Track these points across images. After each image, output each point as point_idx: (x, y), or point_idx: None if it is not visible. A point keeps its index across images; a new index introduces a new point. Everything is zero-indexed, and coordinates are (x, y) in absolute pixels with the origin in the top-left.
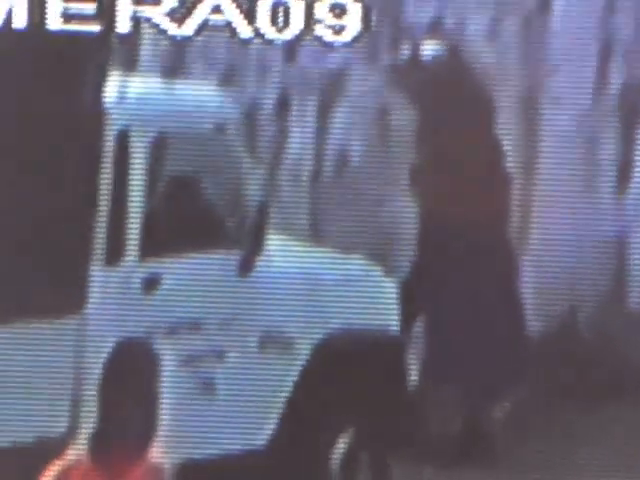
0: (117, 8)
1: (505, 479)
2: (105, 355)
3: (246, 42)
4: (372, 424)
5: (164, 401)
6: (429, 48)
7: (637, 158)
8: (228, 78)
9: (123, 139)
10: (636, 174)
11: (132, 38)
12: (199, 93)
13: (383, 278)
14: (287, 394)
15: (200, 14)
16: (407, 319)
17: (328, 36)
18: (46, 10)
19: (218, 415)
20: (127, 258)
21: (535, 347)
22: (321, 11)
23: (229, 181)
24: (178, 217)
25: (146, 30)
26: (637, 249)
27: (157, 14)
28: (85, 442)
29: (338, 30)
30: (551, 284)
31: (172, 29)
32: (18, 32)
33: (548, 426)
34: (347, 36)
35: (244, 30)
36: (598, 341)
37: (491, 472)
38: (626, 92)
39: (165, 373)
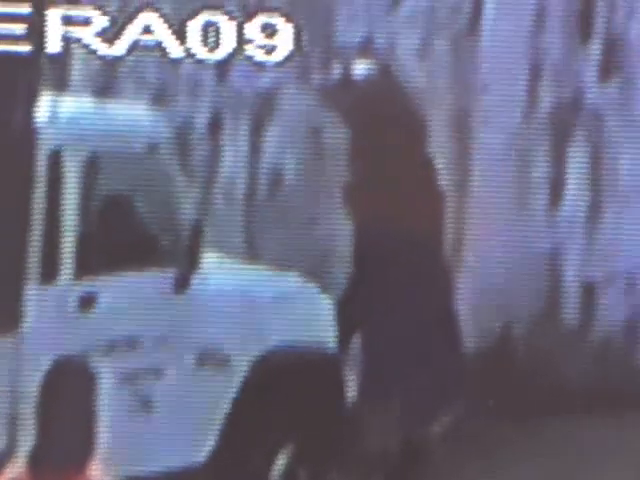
0: (47, 28)
1: None
2: (42, 373)
3: (177, 62)
4: (310, 441)
5: (102, 418)
6: (360, 68)
7: (568, 175)
8: (160, 98)
9: (55, 159)
10: (568, 191)
11: (63, 58)
12: (131, 113)
13: (319, 295)
14: (226, 410)
15: (131, 34)
16: (344, 336)
17: (259, 56)
18: None
19: (157, 432)
20: (62, 277)
21: (471, 363)
22: (252, 31)
23: (163, 200)
24: (113, 236)
25: (77, 50)
26: (570, 265)
27: (87, 34)
28: (23, 460)
29: (269, 50)
30: (486, 301)
31: (103, 49)
32: None
33: (485, 442)
34: (278, 56)
35: (175, 50)
36: (533, 357)
37: None
38: (556, 110)
39: (103, 391)
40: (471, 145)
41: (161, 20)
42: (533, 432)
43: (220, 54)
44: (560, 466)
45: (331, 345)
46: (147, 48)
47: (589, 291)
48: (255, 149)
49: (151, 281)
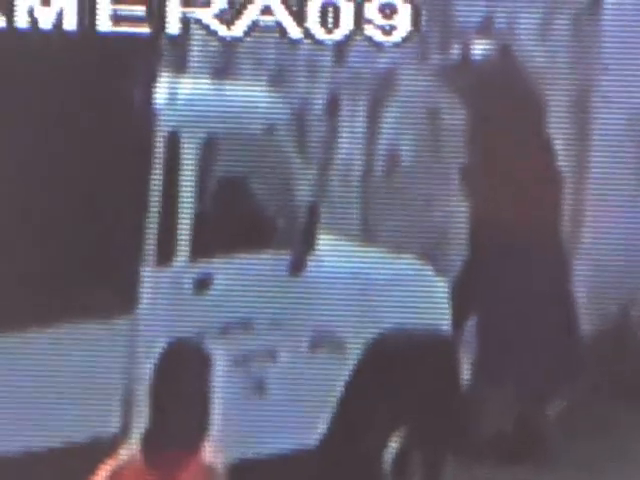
0: (167, 10)
1: (557, 478)
2: (157, 355)
3: (296, 43)
4: (424, 424)
5: (216, 401)
6: (479, 48)
7: None
8: (278, 79)
9: (173, 140)
10: None
11: (182, 40)
12: (249, 94)
13: (435, 277)
14: (339, 394)
15: (250, 15)
16: (459, 319)
17: (378, 36)
18: (96, 12)
19: (270, 415)
20: (178, 258)
21: (588, 346)
22: (371, 11)
23: (280, 182)
24: (229, 217)
25: (196, 31)
26: None
27: (207, 15)
28: (137, 442)
29: (388, 30)
30: (604, 284)
31: (222, 30)
32: (68, 34)
33: (602, 425)
34: (397, 36)
35: (294, 31)
36: None
37: (544, 471)
38: None
39: (217, 373)
40: (591, 126)
41: (279, 1)
42: None
43: (338, 35)
44: None
45: (446, 328)
46: (266, 29)
47: None
48: (372, 131)
49: (266, 263)
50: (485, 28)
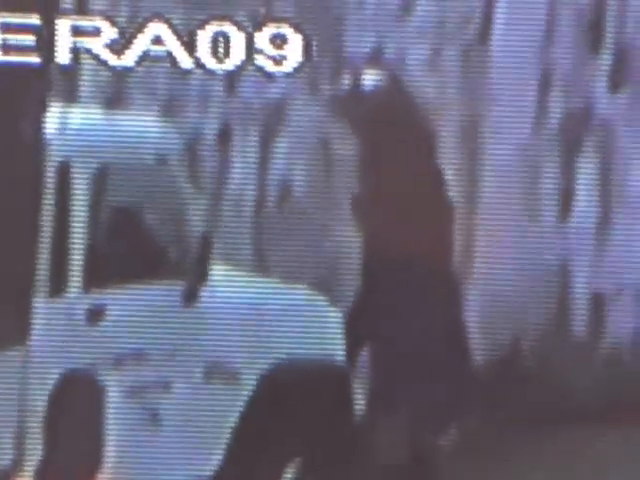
0: (57, 39)
1: None
2: (50, 387)
3: (187, 73)
4: (318, 455)
5: (110, 432)
6: (370, 78)
7: (578, 187)
8: (169, 109)
9: (64, 171)
10: (577, 202)
11: (72, 69)
12: (140, 124)
13: (328, 307)
14: (233, 425)
15: (140, 45)
16: (352, 349)
17: (269, 66)
18: None
19: (164, 446)
20: (71, 289)
21: (481, 377)
22: (262, 41)
23: (172, 212)
24: (121, 248)
25: (86, 61)
26: (579, 276)
27: (97, 45)
28: (31, 474)
29: (279, 60)
30: (495, 313)
31: (112, 60)
32: None
33: (495, 453)
34: (288, 66)
35: (185, 61)
36: (543, 368)
37: None
38: (566, 121)
39: (110, 404)
40: (480, 156)
41: (170, 30)
42: (544, 443)
43: (230, 64)
44: (571, 476)
45: (340, 358)
46: (156, 59)
47: (598, 303)
48: (264, 160)
49: (160, 293)
50: (375, 58)
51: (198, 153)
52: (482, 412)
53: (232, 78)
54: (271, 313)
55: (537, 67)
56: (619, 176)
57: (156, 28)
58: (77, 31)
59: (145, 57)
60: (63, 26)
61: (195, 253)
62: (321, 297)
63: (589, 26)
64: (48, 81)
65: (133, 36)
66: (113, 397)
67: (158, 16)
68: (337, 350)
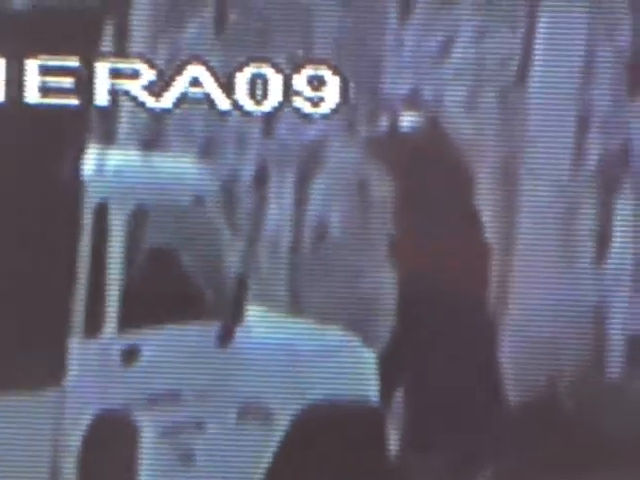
0: (95, 81)
1: None
2: (84, 427)
3: (224, 114)
4: None
5: (144, 472)
6: (407, 120)
7: (615, 228)
8: (207, 150)
9: (101, 211)
10: (614, 244)
11: (110, 111)
12: (177, 165)
13: (362, 348)
14: (267, 465)
15: (178, 87)
16: (386, 389)
17: (306, 108)
18: (24, 83)
19: None
20: (106, 330)
21: (515, 417)
22: (299, 83)
23: (208, 253)
24: (157, 289)
25: (124, 103)
26: (615, 319)
27: (135, 87)
28: None
29: (316, 102)
30: (530, 355)
31: (150, 102)
32: None
33: None
34: (325, 108)
35: (222, 102)
36: (577, 412)
37: None
38: (603, 163)
39: (145, 444)
40: (518, 198)
41: (208, 73)
42: None
43: (267, 106)
44: None
45: (374, 399)
46: (194, 101)
47: (634, 345)
48: (301, 202)
49: (194, 334)
50: (413, 100)
51: (235, 195)
52: (516, 454)
53: (269, 120)
54: (305, 354)
55: (575, 108)
56: None
57: (194, 70)
58: (116, 73)
59: (183, 99)
60: (102, 68)
61: (231, 294)
62: (355, 338)
63: (627, 66)
64: (87, 123)
65: (171, 78)
66: (147, 437)
67: (196, 58)
68: (371, 390)
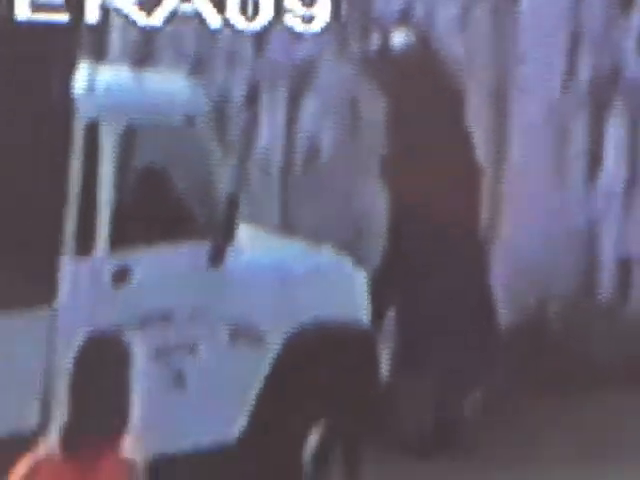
0: None
1: (477, 468)
2: (76, 347)
3: (215, 32)
4: (344, 417)
5: (135, 394)
6: (399, 37)
7: (606, 147)
8: (197, 68)
9: (92, 129)
10: (606, 163)
11: (101, 28)
12: (169, 83)
13: (354, 269)
14: (259, 387)
15: (169, 4)
16: (378, 310)
17: (298, 26)
18: (14, 0)
19: (190, 407)
20: (98, 250)
21: (506, 339)
22: (290, 1)
23: (199, 172)
24: (148, 209)
25: (115, 20)
26: (607, 240)
27: (126, 4)
28: (56, 436)
29: (308, 20)
30: (522, 275)
31: (141, 19)
32: None
33: (517, 416)
34: (317, 26)
35: (213, 20)
36: (568, 332)
37: (463, 461)
38: (595, 81)
39: (136, 365)
40: (509, 115)
41: None
42: (567, 405)
43: (258, 24)
44: (591, 439)
45: (365, 320)
46: (185, 18)
47: (625, 267)
48: (292, 121)
49: (186, 255)
50: (404, 18)
51: (226, 113)
52: (506, 376)
53: (261, 38)
54: (296, 274)
55: (566, 27)
56: None
57: None
58: None
59: (174, 16)
60: None
61: (222, 214)
62: (347, 258)
63: None
64: (77, 39)
65: None
66: (139, 358)
67: None
68: (363, 311)
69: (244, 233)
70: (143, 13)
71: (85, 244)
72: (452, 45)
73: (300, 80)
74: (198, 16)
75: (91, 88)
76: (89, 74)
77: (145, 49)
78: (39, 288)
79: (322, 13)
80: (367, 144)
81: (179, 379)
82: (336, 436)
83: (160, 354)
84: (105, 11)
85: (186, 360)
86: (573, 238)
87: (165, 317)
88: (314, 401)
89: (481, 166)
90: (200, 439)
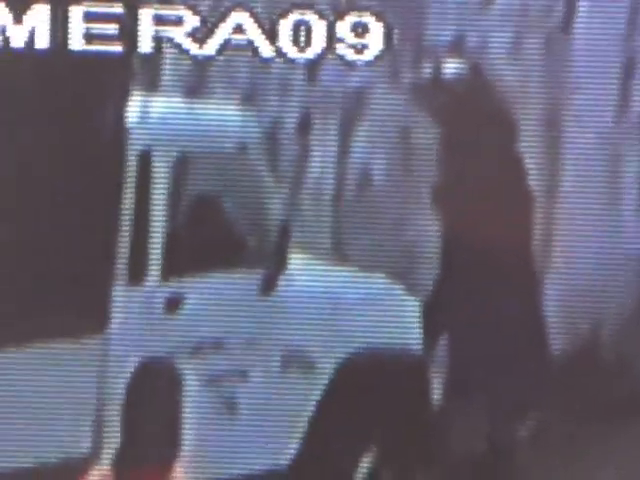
0: (139, 28)
1: None
2: (128, 375)
3: (268, 61)
4: (395, 444)
5: (187, 421)
6: (451, 67)
7: None
8: (250, 98)
9: (145, 159)
10: None
11: (154, 58)
12: (221, 113)
13: (405, 297)
14: (310, 414)
15: (222, 34)
16: (429, 338)
17: (350, 55)
18: (68, 30)
19: (241, 435)
20: (149, 278)
21: (559, 366)
22: (343, 30)
23: (251, 200)
24: (200, 237)
25: (168, 50)
26: None
27: (179, 34)
28: (108, 463)
29: (360, 49)
30: (574, 303)
31: (194, 49)
32: (40, 52)
33: (571, 446)
34: (369, 55)
35: (266, 49)
36: (621, 360)
37: None
38: None
39: (188, 393)
40: (562, 145)
41: (252, 19)
42: (619, 435)
43: (311, 53)
44: None
45: (417, 347)
46: (238, 48)
47: None
48: (344, 149)
49: (238, 282)
50: (457, 47)
51: (278, 142)
52: (560, 403)
53: (313, 67)
54: (349, 302)
55: (620, 55)
56: None
57: (238, 17)
58: (159, 20)
59: (226, 46)
60: (146, 15)
61: (274, 242)
62: (399, 286)
63: None
64: (130, 70)
65: (215, 25)
66: (191, 386)
67: (240, 5)
68: (414, 339)
69: (296, 261)
70: (196, 43)
71: (137, 272)
72: (504, 74)
73: (352, 109)
74: (250, 45)
75: (144, 118)
76: (142, 104)
77: (198, 79)
78: (92, 317)
79: (374, 42)
80: (419, 172)
81: (231, 406)
82: (388, 464)
83: (212, 381)
84: (158, 41)
85: (238, 387)
86: (626, 264)
87: (217, 345)
88: (365, 428)
89: (533, 194)
90: (252, 466)
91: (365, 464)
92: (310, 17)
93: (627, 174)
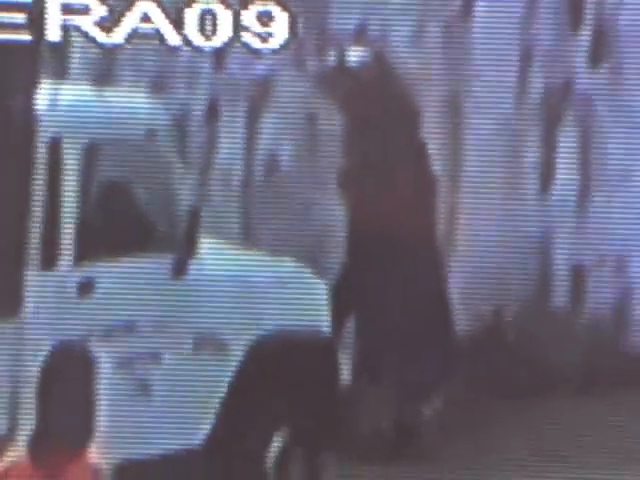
0: (47, 17)
1: (433, 476)
2: (42, 358)
3: (175, 50)
4: (305, 422)
5: (101, 402)
6: (355, 55)
7: (558, 159)
8: (158, 85)
9: (55, 146)
10: (558, 175)
11: (62, 47)
12: (129, 100)
13: (314, 280)
14: (222, 394)
15: (129, 22)
16: (338, 319)
17: (256, 43)
18: None
19: (155, 415)
20: (62, 263)
21: (463, 346)
22: (248, 19)
23: (161, 186)
24: (111, 222)
25: (76, 38)
26: (560, 248)
27: (87, 23)
28: (24, 443)
29: (265, 37)
30: (477, 284)
31: (102, 37)
32: None
33: (474, 424)
34: (274, 43)
35: (173, 38)
36: (523, 339)
37: (420, 469)
38: (547, 95)
39: (102, 375)
40: (464, 130)
41: (159, 9)
42: (522, 412)
43: (217, 42)
44: (546, 443)
45: (325, 329)
46: (145, 36)
47: (578, 274)
48: (251, 136)
49: (149, 266)
50: (360, 35)
51: (187, 129)
52: (464, 382)
53: (219, 55)
54: (259, 285)
55: (518, 43)
56: (598, 149)
57: (145, 6)
58: (67, 9)
59: (134, 35)
60: (53, 4)
61: (184, 227)
62: (307, 269)
63: (569, 3)
64: (39, 58)
65: (122, 14)
66: (104, 368)
67: None
68: (323, 321)
69: (206, 245)
70: (103, 32)
71: (50, 257)
72: (407, 61)
73: (259, 96)
74: (158, 34)
75: (53, 106)
76: (51, 92)
77: (106, 67)
78: (5, 300)
79: (279, 31)
80: (325, 158)
81: (144, 388)
82: (298, 442)
83: (125, 364)
84: (66, 30)
85: (151, 369)
86: (527, 247)
87: (129, 328)
88: (276, 407)
89: (436, 178)
90: (165, 446)
91: (276, 444)
92: (216, 6)
93: (527, 158)
